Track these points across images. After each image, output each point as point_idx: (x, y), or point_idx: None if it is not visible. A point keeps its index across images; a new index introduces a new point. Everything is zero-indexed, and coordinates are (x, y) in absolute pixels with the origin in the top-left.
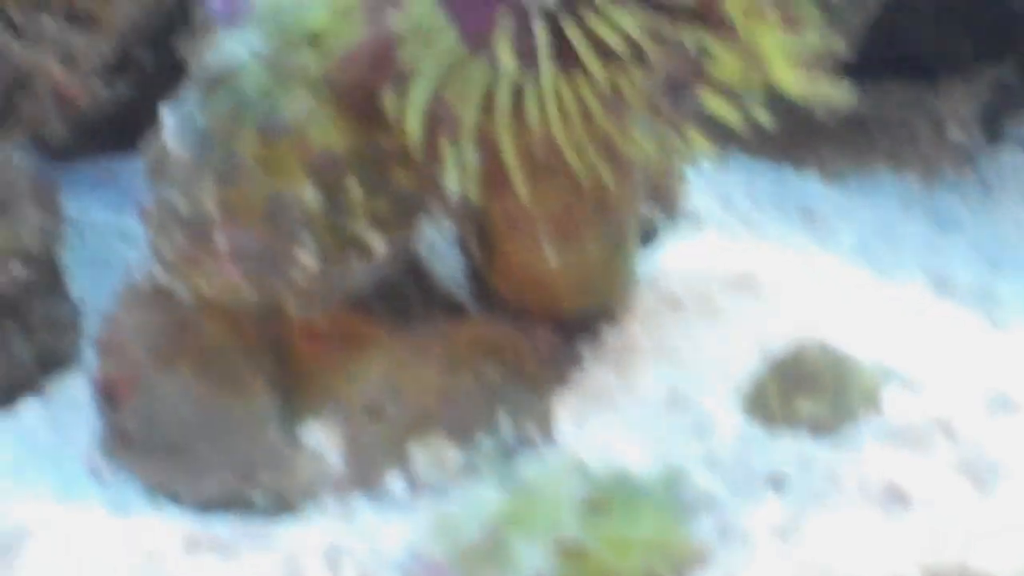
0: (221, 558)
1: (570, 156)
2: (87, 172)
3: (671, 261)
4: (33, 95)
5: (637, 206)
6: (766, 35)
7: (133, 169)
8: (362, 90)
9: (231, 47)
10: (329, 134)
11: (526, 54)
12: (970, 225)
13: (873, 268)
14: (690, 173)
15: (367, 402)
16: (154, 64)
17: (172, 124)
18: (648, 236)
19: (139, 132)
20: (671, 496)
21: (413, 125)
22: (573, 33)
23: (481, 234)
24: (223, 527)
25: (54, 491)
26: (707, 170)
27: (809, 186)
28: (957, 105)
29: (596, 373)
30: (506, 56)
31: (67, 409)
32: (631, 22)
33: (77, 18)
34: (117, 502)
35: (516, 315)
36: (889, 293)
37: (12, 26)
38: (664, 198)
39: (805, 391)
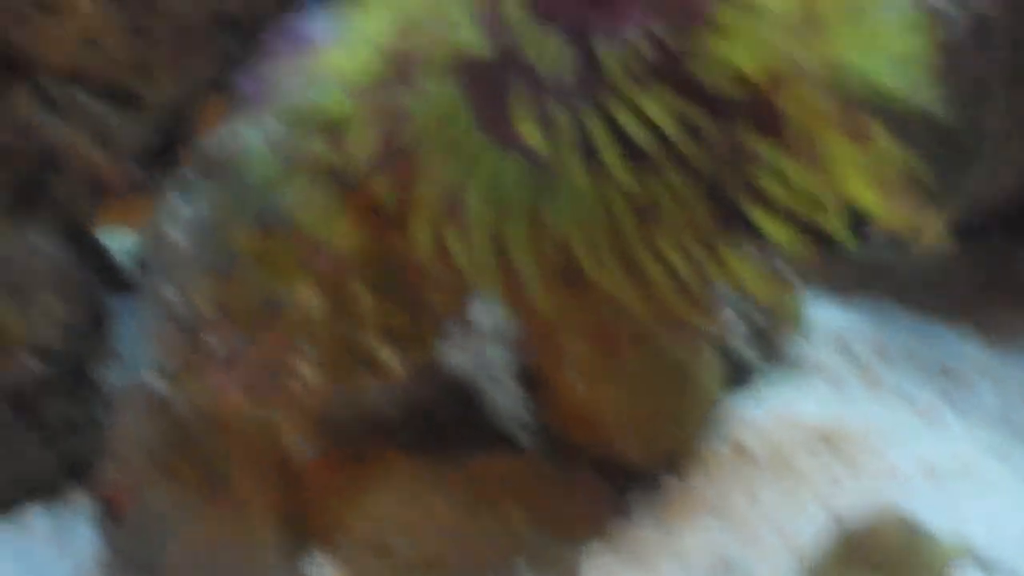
0: None
1: (590, 268)
2: None
3: (757, 410)
4: (64, 175)
5: (704, 343)
6: (835, 142)
7: None
8: (379, 185)
9: (243, 131)
10: (335, 232)
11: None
12: None
13: (1012, 437)
14: (815, 316)
15: (374, 538)
16: None
17: (172, 209)
18: (742, 380)
19: None
20: None
21: (422, 226)
22: (595, 126)
23: (526, 357)
24: None
25: None
26: (835, 316)
27: (958, 343)
28: None
29: (641, 528)
30: (531, 135)
31: (82, 522)
32: (661, 113)
33: (116, 95)
34: None
35: (564, 456)
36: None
37: (45, 99)
38: (765, 340)
39: (871, 569)
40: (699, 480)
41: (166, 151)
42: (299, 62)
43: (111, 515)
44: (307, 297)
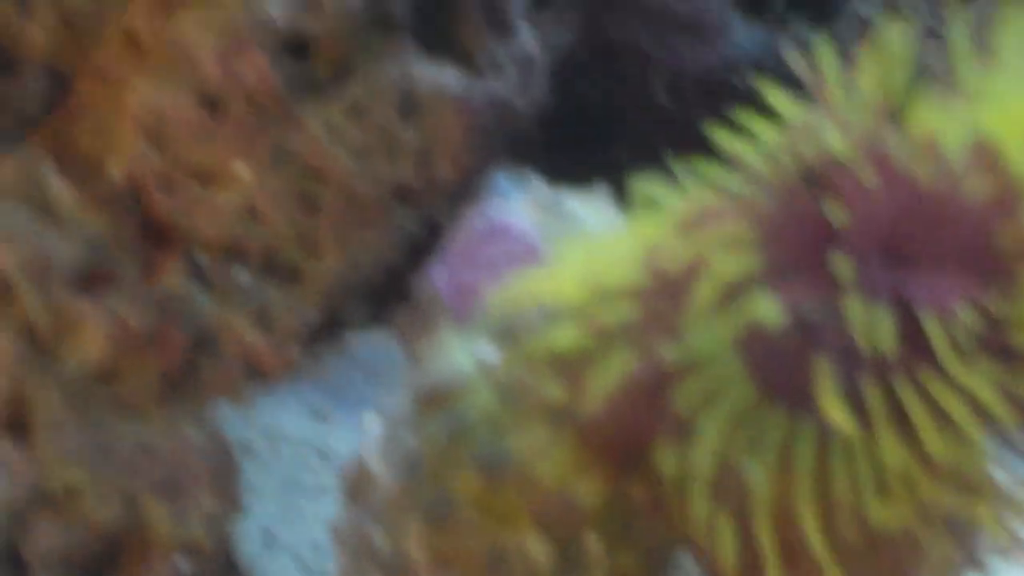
0: None
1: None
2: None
3: None
4: (219, 358)
5: None
6: None
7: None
8: (617, 430)
9: (455, 353)
10: (568, 478)
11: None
12: None
13: None
14: None
15: None
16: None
17: (377, 437)
18: None
19: None
20: None
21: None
22: (909, 397)
23: None
24: None
25: None
26: None
27: None
28: None
29: None
30: (836, 413)
31: None
32: (986, 387)
33: (276, 271)
34: None
35: None
36: None
37: (200, 277)
38: None
39: None
40: None
41: (332, 330)
42: (510, 272)
43: None
44: (534, 548)
